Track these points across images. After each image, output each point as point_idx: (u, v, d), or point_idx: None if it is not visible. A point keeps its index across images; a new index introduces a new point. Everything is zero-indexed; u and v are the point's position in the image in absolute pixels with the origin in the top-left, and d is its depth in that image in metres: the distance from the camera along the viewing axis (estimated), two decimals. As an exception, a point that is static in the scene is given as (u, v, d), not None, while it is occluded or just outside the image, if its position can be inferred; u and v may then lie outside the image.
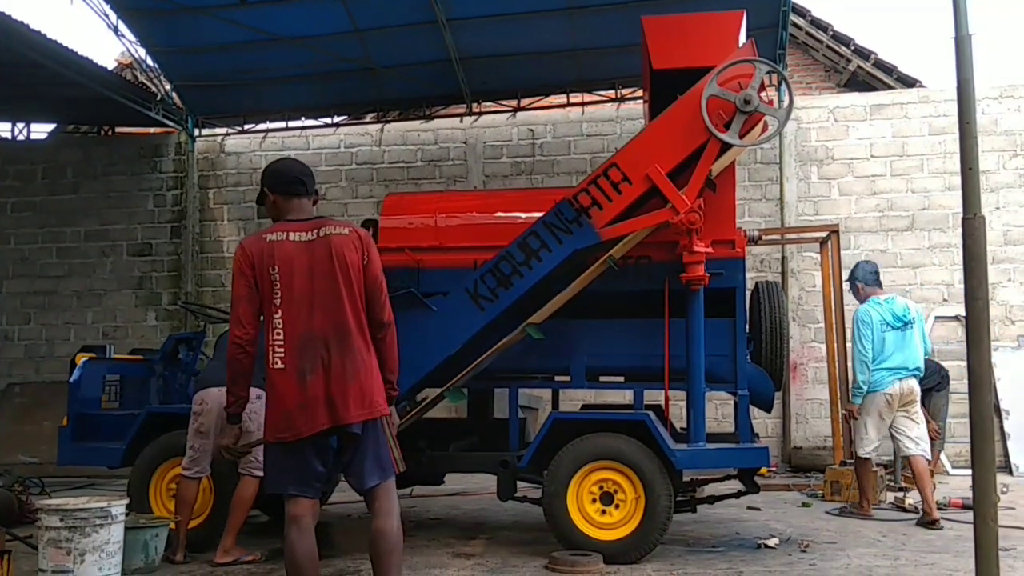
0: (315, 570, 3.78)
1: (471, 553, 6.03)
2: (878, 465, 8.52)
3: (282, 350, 3.72)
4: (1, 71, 10.50)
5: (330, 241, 3.82)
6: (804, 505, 8.21)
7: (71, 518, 4.65)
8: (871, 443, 7.37)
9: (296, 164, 4.10)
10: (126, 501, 5.07)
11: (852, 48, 13.37)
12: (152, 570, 5.47)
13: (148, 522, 5.67)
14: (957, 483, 9.07)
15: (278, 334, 3.73)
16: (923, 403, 9.19)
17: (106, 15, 10.71)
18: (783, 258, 11.17)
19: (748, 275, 6.41)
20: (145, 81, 12.52)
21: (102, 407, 6.98)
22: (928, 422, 9.19)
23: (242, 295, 3.78)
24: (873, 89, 12.63)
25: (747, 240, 6.37)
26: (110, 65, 13.53)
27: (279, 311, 3.74)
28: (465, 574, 5.41)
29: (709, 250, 5.74)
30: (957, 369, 9.48)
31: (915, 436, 7.35)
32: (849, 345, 9.71)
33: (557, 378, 6.79)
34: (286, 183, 3.94)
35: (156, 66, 11.80)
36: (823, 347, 9.99)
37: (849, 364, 9.42)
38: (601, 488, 5.75)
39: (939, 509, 7.57)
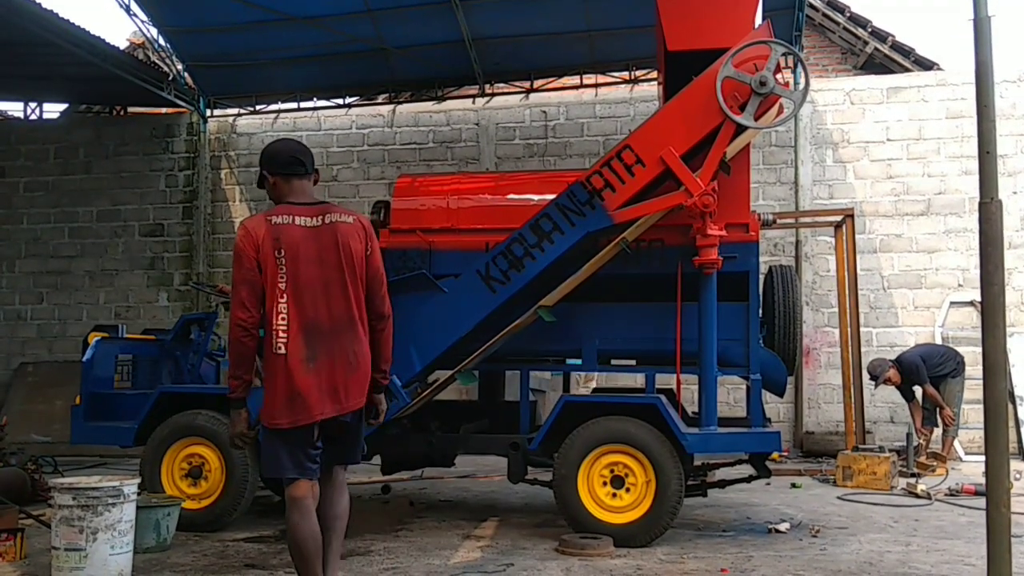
0: (319, 551, 3.75)
1: (481, 535, 6.04)
2: (891, 451, 8.50)
3: (286, 336, 3.68)
4: (14, 50, 10.50)
5: (336, 229, 3.79)
6: (794, 486, 8.25)
7: (84, 497, 4.67)
8: None
9: (292, 143, 4.02)
10: (138, 480, 5.09)
11: (869, 30, 13.23)
12: (164, 548, 5.50)
13: (160, 501, 5.72)
14: (970, 469, 9.04)
15: (282, 319, 3.68)
16: (938, 389, 9.20)
17: (118, -6, 10.69)
18: (797, 242, 11.10)
19: (762, 259, 6.37)
20: (157, 61, 12.50)
21: (114, 387, 7.00)
22: (943, 408, 9.20)
23: (246, 278, 3.70)
24: (890, 72, 12.50)
25: (761, 223, 6.35)
26: (122, 45, 13.52)
27: (284, 296, 3.69)
28: (475, 556, 5.42)
29: (723, 233, 5.72)
30: (972, 355, 9.42)
31: None
32: (864, 330, 9.69)
33: (569, 361, 6.78)
34: (284, 164, 3.87)
35: (168, 46, 11.79)
36: (836, 332, 9.94)
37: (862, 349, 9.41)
38: (612, 471, 5.74)
39: (952, 495, 7.57)
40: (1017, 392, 10.17)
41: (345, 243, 3.79)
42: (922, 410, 9.46)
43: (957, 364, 9.29)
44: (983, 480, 4.25)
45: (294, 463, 3.75)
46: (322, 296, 3.74)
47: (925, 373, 9.15)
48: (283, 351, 3.68)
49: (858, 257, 9.45)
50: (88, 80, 11.71)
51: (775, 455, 7.31)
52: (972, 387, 9.26)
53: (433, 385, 6.18)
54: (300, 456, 3.76)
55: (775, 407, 10.44)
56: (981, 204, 4.15)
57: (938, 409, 9.26)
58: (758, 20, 5.99)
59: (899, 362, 9.30)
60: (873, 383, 9.36)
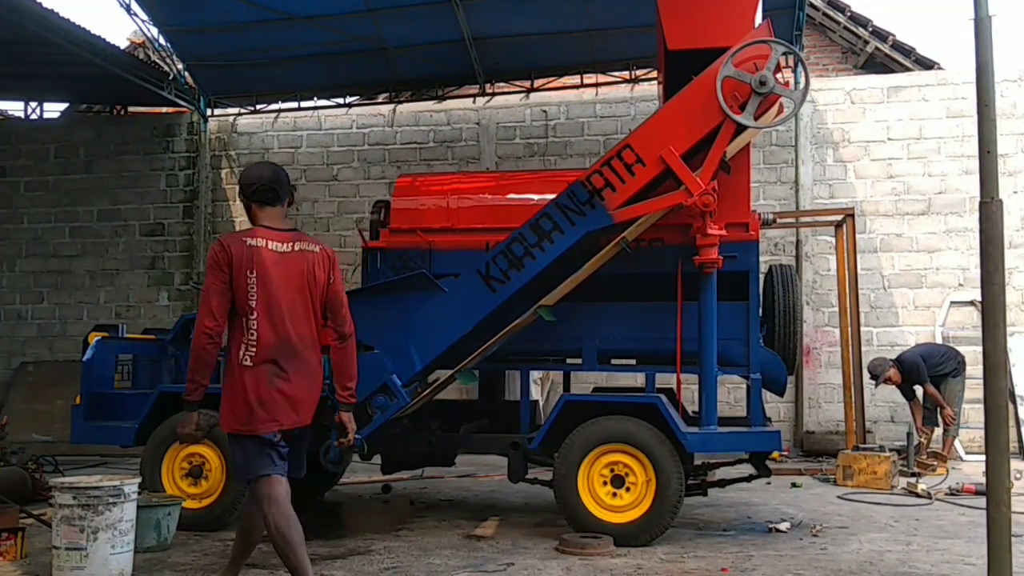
0: (301, 539, 3.94)
1: (482, 534, 6.03)
2: (891, 450, 8.50)
3: (254, 349, 3.94)
4: (14, 50, 10.50)
5: (304, 257, 4.10)
6: (794, 486, 8.25)
7: (84, 496, 4.67)
8: None
9: (268, 171, 4.22)
10: (139, 480, 5.09)
11: (870, 29, 13.23)
12: (164, 548, 5.50)
13: (160, 501, 5.72)
14: (971, 469, 9.04)
15: (252, 335, 3.94)
16: (939, 389, 9.19)
17: (119, -7, 10.69)
18: (797, 241, 11.10)
19: (762, 258, 6.37)
20: (157, 60, 12.50)
21: (115, 386, 7.01)
22: (944, 408, 9.19)
23: (218, 289, 3.94)
24: (890, 71, 12.50)
25: (761, 223, 6.34)
26: (123, 44, 13.51)
27: (255, 313, 3.95)
28: (476, 555, 5.42)
29: (723, 233, 5.71)
30: (972, 355, 9.42)
31: None
32: (865, 329, 9.65)
33: (569, 360, 6.78)
34: (259, 193, 4.13)
35: (168, 45, 11.78)
36: (837, 331, 9.95)
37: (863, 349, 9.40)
38: (612, 471, 5.75)
39: (952, 494, 7.57)
40: (1017, 391, 10.17)
41: (311, 271, 4.09)
42: (923, 409, 9.46)
43: (958, 363, 9.29)
44: (983, 479, 4.24)
45: (265, 461, 3.97)
46: (289, 316, 4.01)
47: (926, 372, 9.15)
48: (249, 363, 3.94)
49: (858, 257, 9.44)
50: (88, 80, 11.71)
51: (775, 454, 7.31)
52: (972, 386, 9.26)
53: (433, 385, 6.18)
54: (270, 453, 3.98)
55: (775, 406, 10.44)
56: (981, 204, 4.15)
57: (939, 408, 9.26)
58: (758, 19, 5.98)
59: (900, 361, 9.30)
60: (873, 382, 9.36)
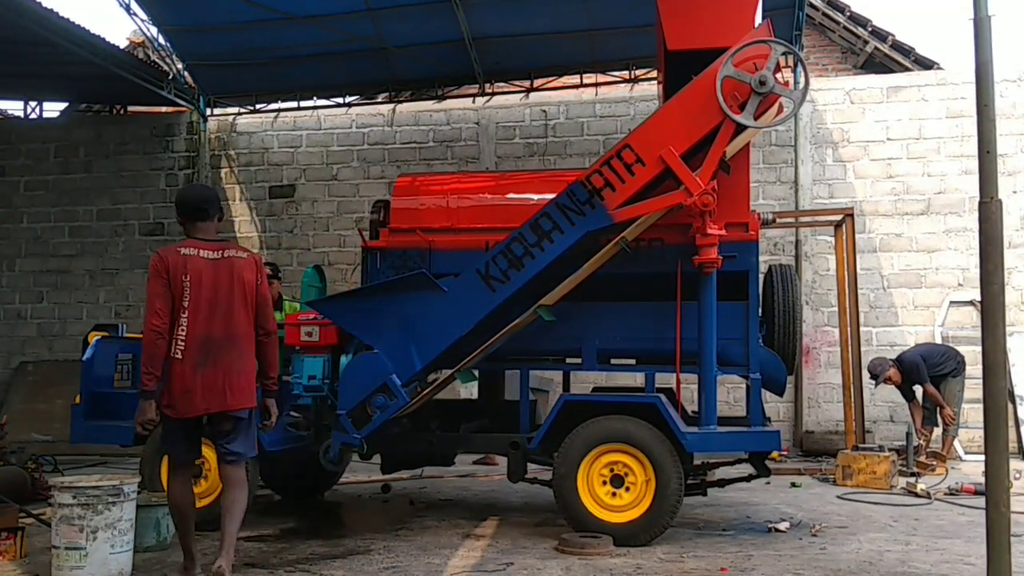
0: (192, 514, 4.69)
1: (481, 534, 6.04)
2: (891, 450, 8.51)
3: (183, 344, 4.49)
4: (14, 49, 10.50)
5: (232, 263, 4.66)
6: (794, 485, 8.25)
7: (84, 496, 4.67)
8: None
9: (200, 192, 5.05)
10: (138, 479, 5.10)
11: (869, 29, 13.23)
12: (164, 548, 5.51)
13: (160, 500, 5.70)
14: (970, 469, 9.04)
15: (182, 331, 4.50)
16: (938, 388, 9.19)
17: (118, -7, 10.68)
18: (797, 241, 11.11)
19: (761, 258, 6.37)
20: (157, 60, 12.50)
21: (114, 386, 7.00)
22: (943, 408, 9.19)
23: (160, 292, 4.50)
24: (890, 71, 12.50)
25: (761, 223, 6.34)
26: (122, 44, 13.50)
27: (186, 312, 4.51)
28: (475, 555, 5.43)
29: (722, 232, 5.71)
30: (972, 355, 9.41)
31: None
32: (864, 329, 9.64)
33: (569, 360, 6.78)
34: (191, 210, 4.73)
35: (168, 45, 11.78)
36: (836, 331, 9.94)
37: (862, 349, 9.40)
38: (611, 470, 5.75)
39: (951, 494, 7.57)
40: (1017, 391, 10.17)
41: (239, 274, 4.65)
42: (922, 409, 9.46)
43: (957, 363, 9.29)
44: (983, 479, 4.25)
45: (180, 448, 4.66)
46: (215, 316, 4.55)
47: (925, 372, 9.15)
48: (179, 356, 4.49)
49: (858, 256, 9.44)
50: (88, 79, 11.71)
51: (775, 454, 7.32)
52: (972, 386, 9.26)
53: (433, 384, 6.18)
54: (187, 441, 4.66)
55: (775, 406, 10.44)
56: (981, 203, 4.15)
57: (938, 408, 9.26)
58: (758, 19, 5.99)
59: (899, 361, 9.31)
60: (873, 382, 9.36)
